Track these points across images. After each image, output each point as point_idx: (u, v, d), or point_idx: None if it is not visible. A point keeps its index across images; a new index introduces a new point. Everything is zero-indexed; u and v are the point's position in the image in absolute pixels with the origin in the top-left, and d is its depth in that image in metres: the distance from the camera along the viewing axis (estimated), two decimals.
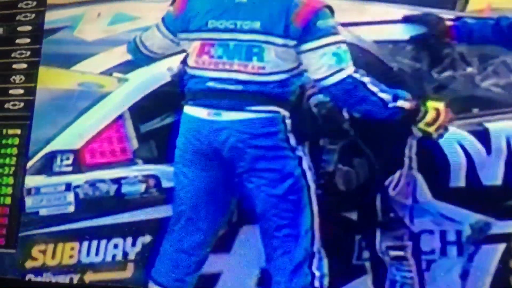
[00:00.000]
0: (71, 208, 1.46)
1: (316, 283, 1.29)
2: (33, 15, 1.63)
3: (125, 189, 1.44)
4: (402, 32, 1.39)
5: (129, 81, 1.50)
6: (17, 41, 1.63)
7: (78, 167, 1.48)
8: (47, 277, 1.44)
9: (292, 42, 1.31)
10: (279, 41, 1.30)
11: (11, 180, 1.55)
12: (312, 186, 1.32)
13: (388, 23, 1.40)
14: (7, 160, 1.56)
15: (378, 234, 1.33)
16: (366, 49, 1.37)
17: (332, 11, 1.32)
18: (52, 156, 1.49)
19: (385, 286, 1.32)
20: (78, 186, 1.46)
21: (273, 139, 1.32)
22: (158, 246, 1.39)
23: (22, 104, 1.59)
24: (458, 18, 1.36)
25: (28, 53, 1.61)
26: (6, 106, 1.60)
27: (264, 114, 1.33)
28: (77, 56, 1.56)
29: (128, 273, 1.41)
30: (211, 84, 1.34)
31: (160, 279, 1.37)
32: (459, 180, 1.31)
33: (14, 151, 1.56)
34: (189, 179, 1.36)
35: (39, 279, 1.45)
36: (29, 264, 1.46)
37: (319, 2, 1.32)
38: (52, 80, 1.57)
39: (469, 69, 1.35)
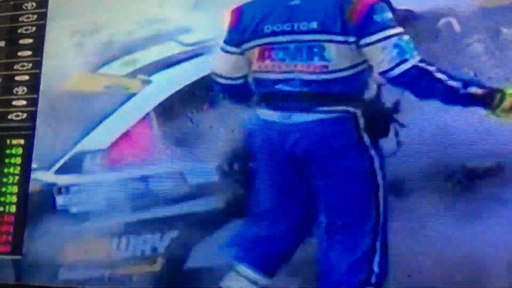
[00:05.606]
0: (101, 206, 1.51)
1: (373, 279, 1.29)
2: (34, 28, 1.69)
3: (152, 186, 1.49)
4: None
5: (153, 83, 1.56)
6: (19, 53, 1.69)
7: (106, 166, 1.53)
8: (80, 271, 1.50)
9: (351, 38, 1.29)
10: (339, 38, 1.30)
11: (15, 189, 1.60)
12: (382, 185, 1.30)
13: None
14: (12, 170, 1.62)
15: None
16: None
17: (389, 4, 1.30)
18: (81, 156, 1.55)
19: None
20: (107, 185, 1.52)
21: (344, 138, 1.31)
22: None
23: (25, 115, 1.64)
24: None
25: (30, 65, 1.67)
26: (9, 117, 1.65)
27: (334, 114, 1.32)
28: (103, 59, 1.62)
29: (157, 266, 1.46)
30: (279, 86, 1.35)
31: (245, 259, 1.38)
32: None
33: (18, 160, 1.62)
34: (265, 179, 1.38)
35: (71, 273, 1.51)
36: (62, 260, 1.52)
37: None
38: (78, 83, 1.63)
39: None
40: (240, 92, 1.43)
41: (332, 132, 1.31)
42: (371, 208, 1.30)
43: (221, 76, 1.45)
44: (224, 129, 1.45)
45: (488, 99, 1.26)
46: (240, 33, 1.40)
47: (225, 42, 1.44)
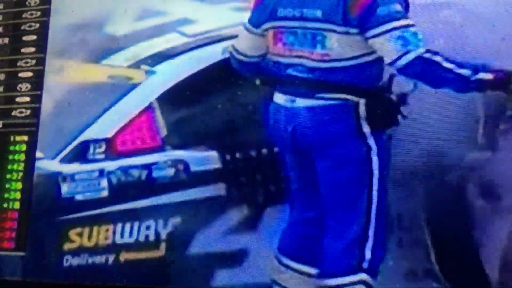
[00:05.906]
0: (105, 193, 1.54)
1: (365, 265, 1.30)
2: (38, 25, 1.70)
3: (155, 174, 1.52)
4: None
5: (157, 73, 1.59)
6: (23, 50, 1.69)
7: (110, 154, 1.56)
8: (84, 257, 1.53)
9: (353, 30, 1.30)
10: (340, 29, 1.31)
11: (19, 185, 1.62)
12: (376, 174, 1.31)
13: None
14: (15, 166, 1.63)
15: None
16: None
17: None
18: (85, 145, 1.58)
19: None
20: (111, 172, 1.55)
21: (341, 126, 1.32)
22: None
23: (28, 112, 1.65)
24: None
25: (34, 61, 1.67)
26: (13, 113, 1.66)
27: (334, 101, 1.33)
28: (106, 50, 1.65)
29: (161, 252, 1.49)
30: (289, 71, 1.37)
31: (285, 248, 1.39)
32: None
33: (22, 157, 1.63)
34: (288, 160, 1.40)
35: (76, 259, 1.53)
36: (67, 246, 1.55)
37: None
38: (83, 74, 1.66)
39: None
40: (253, 71, 1.47)
41: (330, 119, 1.33)
42: (362, 196, 1.31)
43: (239, 53, 1.48)
44: (234, 115, 1.49)
45: (506, 82, 1.26)
46: (260, 14, 1.42)
47: (248, 21, 1.46)
